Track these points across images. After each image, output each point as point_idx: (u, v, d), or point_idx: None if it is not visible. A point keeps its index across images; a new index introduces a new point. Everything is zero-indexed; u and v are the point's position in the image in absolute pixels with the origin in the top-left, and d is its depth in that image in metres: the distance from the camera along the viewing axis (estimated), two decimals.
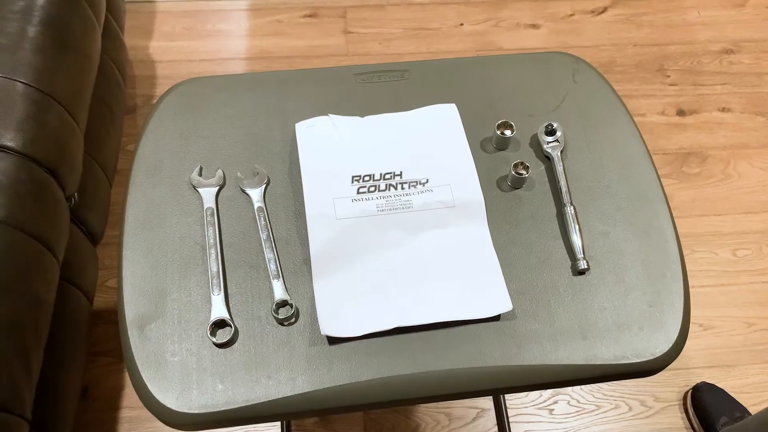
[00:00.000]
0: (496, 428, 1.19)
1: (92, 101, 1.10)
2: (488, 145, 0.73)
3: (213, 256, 0.64)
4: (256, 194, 0.68)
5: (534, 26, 1.71)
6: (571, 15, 1.73)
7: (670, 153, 1.52)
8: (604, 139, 0.74)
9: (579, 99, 0.77)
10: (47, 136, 0.90)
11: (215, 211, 0.67)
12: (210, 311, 0.61)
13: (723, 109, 1.59)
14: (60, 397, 0.97)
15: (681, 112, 1.58)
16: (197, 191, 0.68)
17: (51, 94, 0.93)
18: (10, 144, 0.86)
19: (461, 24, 1.71)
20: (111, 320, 1.22)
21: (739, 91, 1.62)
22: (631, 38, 1.69)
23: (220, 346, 0.60)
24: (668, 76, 1.63)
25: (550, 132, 0.72)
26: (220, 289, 0.62)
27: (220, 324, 0.61)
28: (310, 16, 1.71)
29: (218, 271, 0.63)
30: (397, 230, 0.67)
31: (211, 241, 0.64)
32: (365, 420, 1.17)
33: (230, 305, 0.62)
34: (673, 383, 1.25)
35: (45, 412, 0.91)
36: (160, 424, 0.58)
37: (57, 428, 0.95)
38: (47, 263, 0.87)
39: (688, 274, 0.65)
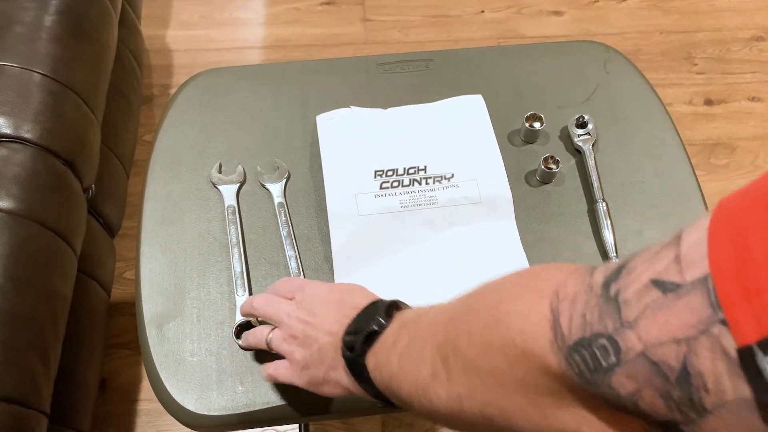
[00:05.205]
0: None
1: (109, 91, 1.08)
2: (516, 138, 0.71)
3: (236, 256, 0.62)
4: (276, 189, 0.66)
5: (557, 13, 1.67)
6: (595, 1, 1.69)
7: (697, 144, 1.48)
8: (637, 132, 0.71)
9: (611, 90, 0.74)
10: (64, 128, 0.89)
11: (236, 209, 0.65)
12: (229, 310, 0.60)
13: (752, 99, 1.54)
14: (78, 390, 0.96)
15: (709, 102, 1.54)
16: (217, 188, 0.66)
17: (68, 84, 0.92)
18: (27, 135, 0.84)
19: (482, 11, 1.67)
20: (128, 312, 1.21)
21: None
22: (657, 25, 1.64)
23: (246, 348, 0.58)
24: (696, 65, 1.59)
25: (581, 124, 0.69)
26: (244, 290, 0.60)
27: (245, 326, 0.59)
28: (327, 3, 1.68)
29: (242, 272, 0.61)
30: (422, 227, 0.64)
31: (234, 240, 0.63)
32: (384, 416, 1.15)
33: None
34: None
35: (63, 405, 0.91)
36: None
37: (75, 421, 0.94)
38: (65, 256, 0.86)
39: None
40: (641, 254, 0.29)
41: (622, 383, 0.27)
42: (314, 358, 0.49)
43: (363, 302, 0.48)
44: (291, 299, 0.53)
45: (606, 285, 0.29)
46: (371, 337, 0.44)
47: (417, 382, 0.39)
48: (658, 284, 0.26)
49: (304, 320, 0.50)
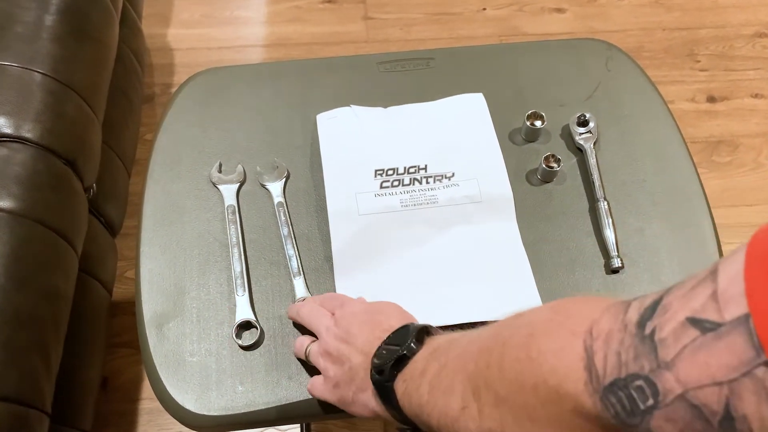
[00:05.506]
0: None
1: (110, 90, 1.08)
2: (517, 136, 0.70)
3: (236, 256, 0.62)
4: (276, 189, 0.66)
5: (559, 10, 1.66)
6: None
7: (699, 141, 1.47)
8: (639, 131, 0.70)
9: (612, 88, 0.73)
10: (65, 127, 0.89)
11: (236, 208, 0.65)
12: (229, 310, 0.60)
13: (756, 96, 1.53)
14: (79, 389, 0.97)
15: (712, 99, 1.53)
16: (217, 188, 0.66)
17: (69, 84, 0.92)
18: (28, 135, 0.84)
19: (484, 8, 1.66)
20: (130, 311, 1.21)
21: None
22: (660, 22, 1.64)
23: (246, 348, 0.58)
24: (698, 61, 1.58)
25: (583, 123, 0.69)
26: (244, 290, 0.60)
27: (245, 326, 0.59)
28: (329, 1, 1.67)
29: (242, 271, 0.61)
30: (422, 227, 0.64)
31: (234, 239, 0.62)
32: None
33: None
34: None
35: (64, 404, 0.91)
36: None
37: (77, 420, 0.94)
38: (66, 256, 0.86)
39: None
40: (676, 290, 0.28)
41: (661, 426, 0.27)
42: (345, 377, 0.49)
43: (396, 324, 0.48)
44: (333, 314, 0.53)
45: (641, 323, 0.28)
46: (401, 362, 0.44)
47: (447, 413, 0.39)
48: (696, 323, 0.25)
49: (340, 337, 0.50)
